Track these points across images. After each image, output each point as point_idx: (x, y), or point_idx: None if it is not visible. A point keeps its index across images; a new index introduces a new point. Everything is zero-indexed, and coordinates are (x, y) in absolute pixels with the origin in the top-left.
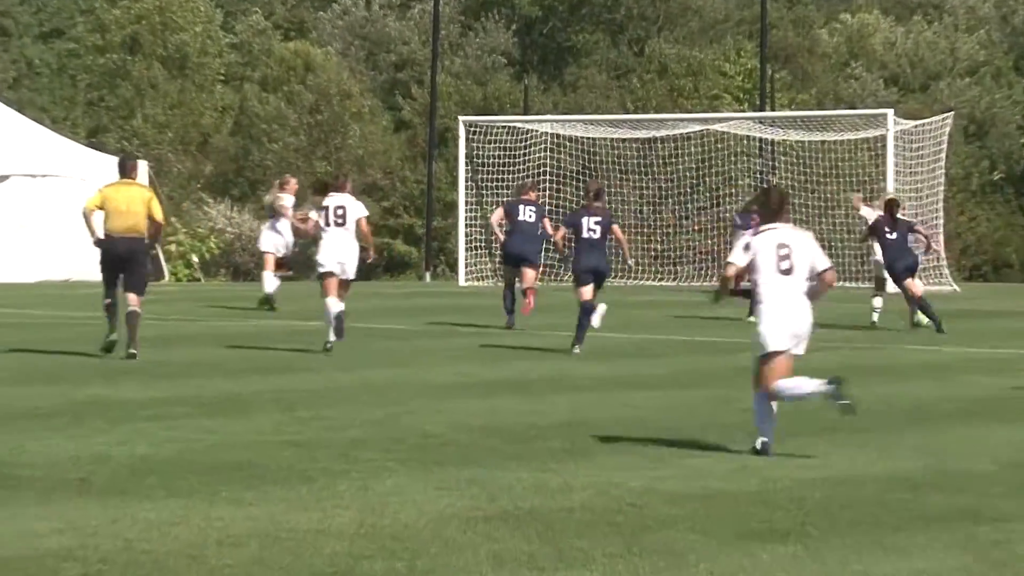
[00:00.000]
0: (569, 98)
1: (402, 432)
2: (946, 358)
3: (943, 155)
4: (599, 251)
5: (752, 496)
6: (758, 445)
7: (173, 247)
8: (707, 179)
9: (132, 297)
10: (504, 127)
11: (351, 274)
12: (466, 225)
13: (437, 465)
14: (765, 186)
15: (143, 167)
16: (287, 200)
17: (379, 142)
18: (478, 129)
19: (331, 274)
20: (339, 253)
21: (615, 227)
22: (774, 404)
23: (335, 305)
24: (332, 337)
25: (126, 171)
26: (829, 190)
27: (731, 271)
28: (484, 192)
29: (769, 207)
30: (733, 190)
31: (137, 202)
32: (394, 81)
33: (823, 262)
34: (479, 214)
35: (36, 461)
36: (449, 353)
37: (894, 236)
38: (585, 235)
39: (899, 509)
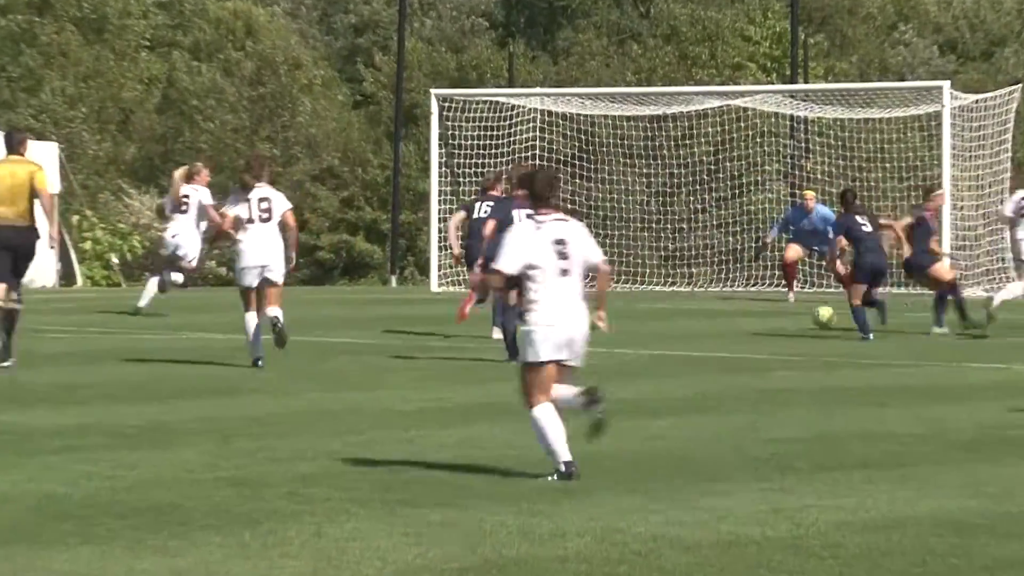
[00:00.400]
0: (562, 68)
1: (363, 467)
2: (1015, 378)
3: (1009, 136)
4: None
5: (780, 542)
6: (562, 468)
7: (89, 245)
8: (727, 165)
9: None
10: (485, 102)
11: (279, 277)
12: (439, 220)
13: (404, 506)
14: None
15: (52, 150)
16: (203, 194)
17: (335, 120)
18: (454, 105)
19: (250, 288)
20: (263, 255)
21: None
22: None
23: (254, 320)
24: (259, 353)
25: (13, 147)
26: (873, 178)
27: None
28: (461, 180)
29: (535, 192)
30: (759, 177)
31: (22, 183)
32: (353, 47)
33: (596, 254)
34: (455, 206)
35: None
36: (419, 372)
37: (869, 230)
38: None
39: (947, 556)
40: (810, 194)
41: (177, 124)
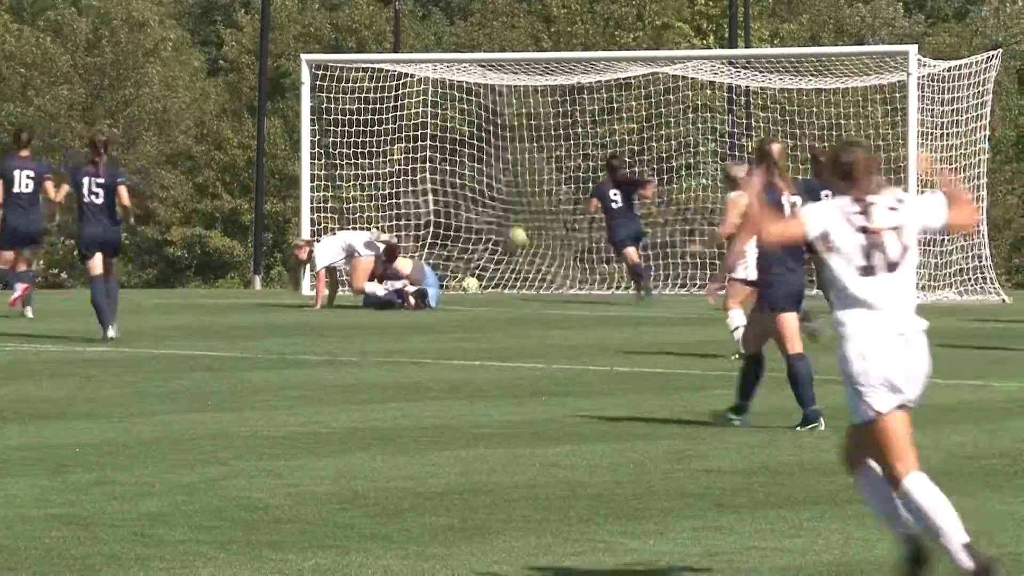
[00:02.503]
0: (459, 30)
1: (222, 503)
2: (994, 397)
3: (987, 110)
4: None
5: None
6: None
7: None
8: (654, 145)
9: None
10: (366, 70)
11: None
12: (313, 209)
13: (273, 549)
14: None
15: None
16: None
17: (187, 90)
18: (329, 73)
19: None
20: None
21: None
22: None
23: None
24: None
25: None
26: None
27: None
28: (339, 162)
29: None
30: (692, 160)
31: None
32: (208, 4)
33: None
34: (331, 193)
35: None
36: (288, 391)
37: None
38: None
39: None
40: None
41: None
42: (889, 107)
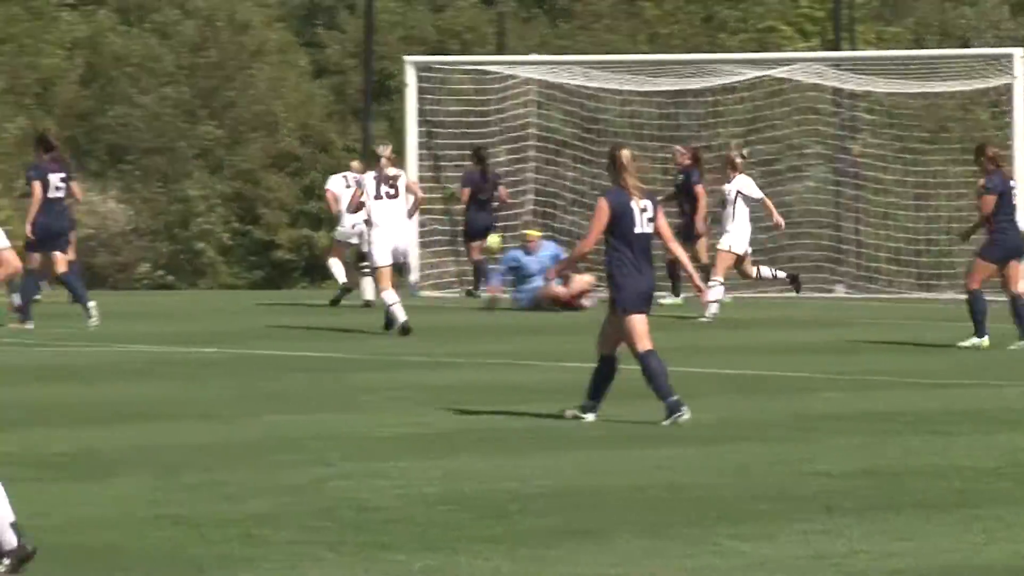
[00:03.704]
0: (562, 32)
1: (331, 504)
2: None
3: None
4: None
5: None
6: None
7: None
8: (760, 148)
9: None
10: (470, 73)
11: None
12: (421, 211)
13: (380, 549)
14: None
15: None
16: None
17: (294, 93)
18: (434, 75)
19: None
20: None
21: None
22: None
23: None
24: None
25: None
26: (933, 162)
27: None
28: (443, 164)
29: None
30: (798, 162)
31: None
32: (313, 6)
33: None
34: (439, 195)
35: None
36: (394, 392)
37: None
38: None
39: None
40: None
41: (109, 96)
42: (996, 110)
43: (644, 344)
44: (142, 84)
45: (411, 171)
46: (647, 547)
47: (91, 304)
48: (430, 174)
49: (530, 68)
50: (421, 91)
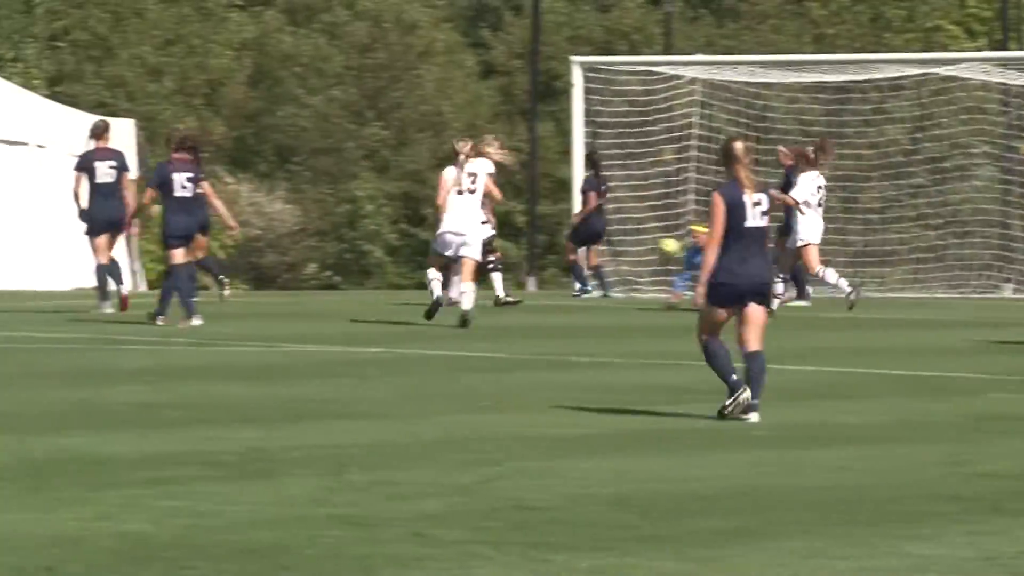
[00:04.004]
0: (728, 32)
1: (497, 503)
2: None
3: None
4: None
5: None
6: None
7: None
8: (926, 146)
9: None
10: (637, 73)
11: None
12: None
13: (546, 549)
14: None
15: (128, 127)
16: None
17: (460, 93)
18: (600, 75)
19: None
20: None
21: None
22: None
23: None
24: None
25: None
26: None
27: None
28: (608, 162)
29: None
30: (964, 160)
31: None
32: (479, 6)
33: None
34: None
35: None
36: (562, 392)
37: None
38: (178, 193)
39: None
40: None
41: (277, 97)
42: None
43: (706, 336)
44: (310, 85)
45: (576, 171)
46: (813, 548)
47: (164, 309)
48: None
49: (695, 68)
50: (587, 91)
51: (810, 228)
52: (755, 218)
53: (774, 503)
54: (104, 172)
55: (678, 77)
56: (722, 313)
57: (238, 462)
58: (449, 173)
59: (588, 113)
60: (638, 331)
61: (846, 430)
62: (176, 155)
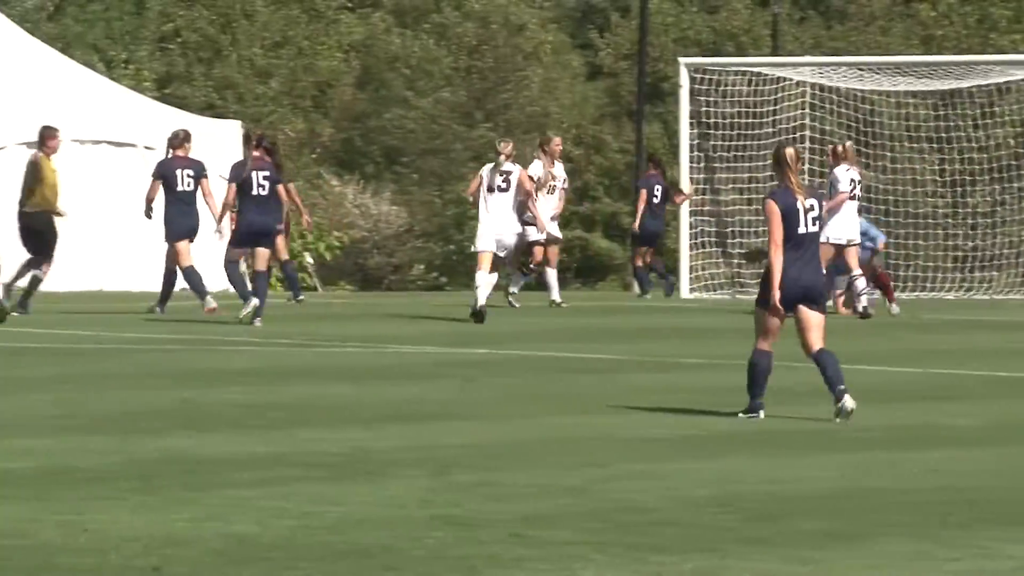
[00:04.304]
0: (836, 33)
1: (601, 505)
2: None
3: None
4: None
5: None
6: None
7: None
8: None
9: None
10: (744, 74)
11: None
12: (691, 213)
13: (650, 551)
14: None
15: (234, 129)
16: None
17: (567, 95)
18: (707, 77)
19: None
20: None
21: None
22: None
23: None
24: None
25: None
26: None
27: None
28: (716, 166)
29: None
30: None
31: None
32: (587, 7)
33: None
34: (709, 196)
35: (89, 544)
36: (670, 395)
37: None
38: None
39: None
40: None
41: (383, 99)
42: None
43: (761, 343)
44: (418, 87)
45: (683, 172)
46: (914, 550)
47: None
48: (702, 175)
49: (803, 70)
50: (695, 92)
51: (847, 225)
52: (808, 224)
53: (877, 505)
54: (183, 180)
55: (786, 79)
56: (775, 320)
57: (342, 463)
58: (484, 170)
59: (695, 115)
60: (741, 333)
61: (950, 432)
62: (255, 154)
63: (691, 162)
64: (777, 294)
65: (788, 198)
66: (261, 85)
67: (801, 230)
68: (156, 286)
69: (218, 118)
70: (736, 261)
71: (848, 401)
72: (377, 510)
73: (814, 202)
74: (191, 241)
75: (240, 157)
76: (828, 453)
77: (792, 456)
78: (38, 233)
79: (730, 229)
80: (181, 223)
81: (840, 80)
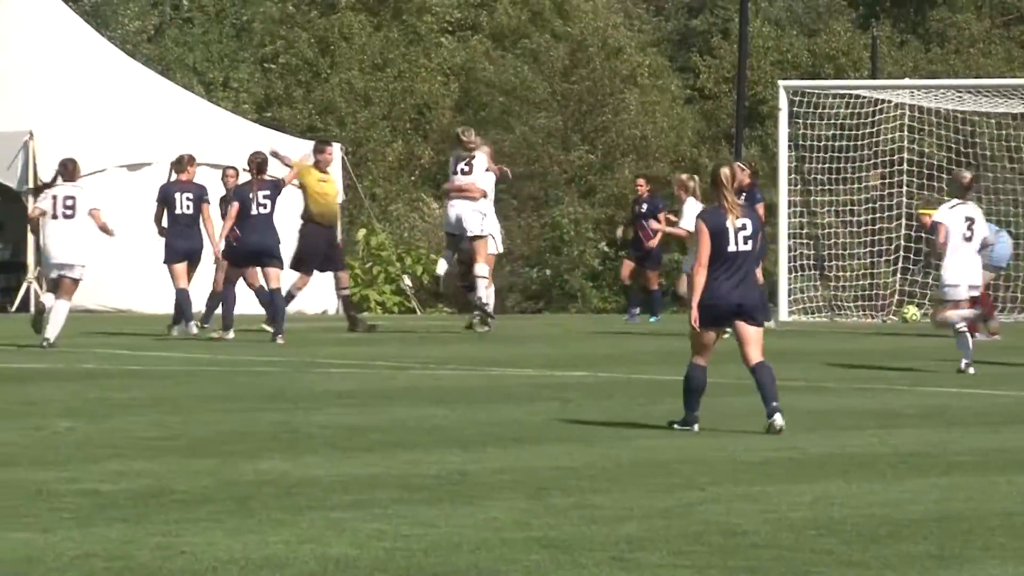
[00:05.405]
0: (935, 55)
1: (699, 527)
2: None
3: None
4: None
5: None
6: None
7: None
8: None
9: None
10: (843, 96)
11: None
12: (789, 236)
13: (747, 574)
14: None
15: (335, 152)
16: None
17: (665, 118)
18: (806, 99)
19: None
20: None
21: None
22: None
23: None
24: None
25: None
26: None
27: None
28: (813, 188)
29: None
30: None
31: None
32: (686, 31)
33: None
34: (806, 219)
35: (185, 566)
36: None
37: None
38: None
39: None
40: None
41: (479, 123)
42: None
43: (697, 359)
44: (515, 111)
45: (781, 195)
46: (1015, 574)
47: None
48: (799, 198)
49: (902, 92)
50: (793, 115)
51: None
52: (738, 242)
53: (979, 528)
54: (183, 203)
55: (884, 101)
56: (709, 335)
57: (439, 485)
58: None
59: (793, 137)
60: (838, 355)
61: None
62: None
63: (789, 184)
64: (695, 313)
65: (718, 217)
66: (361, 109)
67: (731, 248)
68: (257, 308)
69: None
70: (833, 284)
71: (778, 419)
72: (474, 532)
73: (747, 221)
74: (191, 263)
75: (340, 178)
76: (926, 476)
77: (889, 479)
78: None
79: (827, 252)
80: (178, 245)
81: (939, 102)
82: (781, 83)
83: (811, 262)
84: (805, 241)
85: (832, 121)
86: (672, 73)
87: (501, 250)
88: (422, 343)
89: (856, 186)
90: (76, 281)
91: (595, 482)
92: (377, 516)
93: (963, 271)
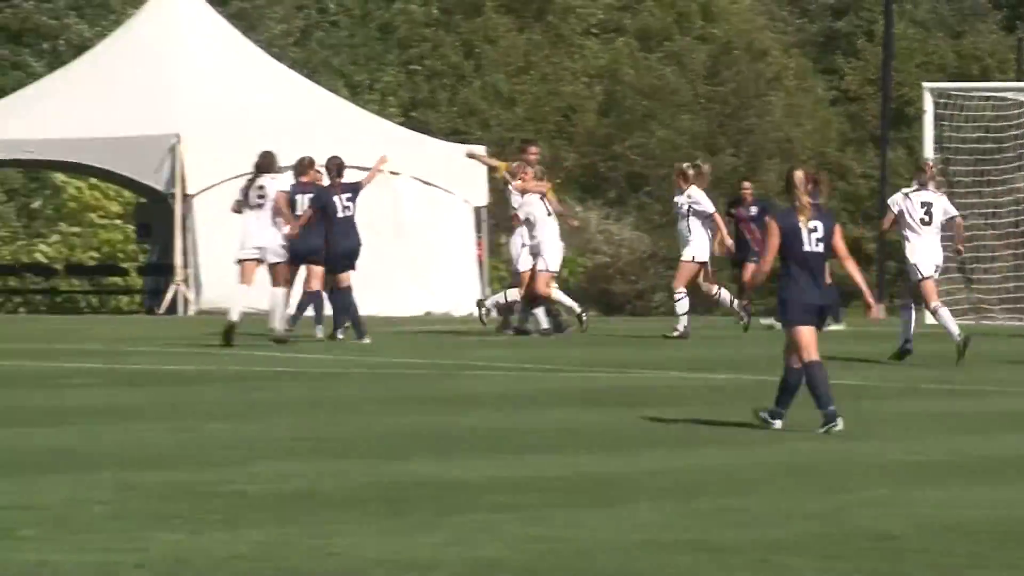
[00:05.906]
0: None
1: (849, 532)
2: None
3: None
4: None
5: None
6: None
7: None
8: None
9: None
10: (988, 99)
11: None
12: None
13: None
14: None
15: (480, 151)
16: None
17: (810, 120)
18: (952, 101)
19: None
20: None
21: None
22: None
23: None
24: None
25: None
26: None
27: None
28: (958, 190)
29: None
30: None
31: None
32: (831, 33)
33: None
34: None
35: (336, 568)
36: (909, 419)
37: None
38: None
39: None
40: None
41: (624, 125)
42: None
43: (809, 354)
44: (659, 114)
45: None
46: None
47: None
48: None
49: None
50: (938, 117)
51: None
52: (811, 243)
53: None
54: (303, 205)
55: None
56: (803, 332)
57: (589, 487)
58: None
59: (939, 139)
60: (983, 359)
61: None
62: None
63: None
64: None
65: (790, 218)
66: (505, 111)
67: (806, 248)
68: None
69: (462, 143)
70: (976, 287)
71: (839, 423)
72: (623, 535)
73: (818, 224)
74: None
75: (483, 182)
76: None
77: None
78: None
79: (972, 254)
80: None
81: None
82: (926, 85)
83: (955, 265)
84: (949, 244)
85: (977, 123)
86: (816, 75)
87: (553, 269)
88: (571, 346)
89: (1001, 188)
90: (274, 265)
91: (742, 485)
92: (528, 519)
93: None
